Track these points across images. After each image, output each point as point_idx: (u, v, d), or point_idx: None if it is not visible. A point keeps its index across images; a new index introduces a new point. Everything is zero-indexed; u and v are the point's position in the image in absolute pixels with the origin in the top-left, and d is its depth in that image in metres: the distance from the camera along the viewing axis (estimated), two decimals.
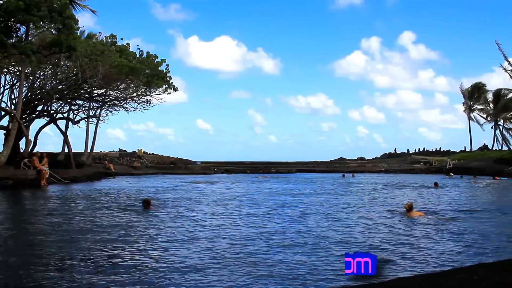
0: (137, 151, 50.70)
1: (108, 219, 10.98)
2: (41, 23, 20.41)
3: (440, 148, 70.78)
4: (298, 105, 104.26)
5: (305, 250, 7.59)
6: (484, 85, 58.98)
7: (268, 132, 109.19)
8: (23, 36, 21.06)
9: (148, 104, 34.63)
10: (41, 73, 28.81)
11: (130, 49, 31.28)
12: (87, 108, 36.16)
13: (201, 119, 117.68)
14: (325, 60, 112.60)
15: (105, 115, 36.74)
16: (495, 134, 57.16)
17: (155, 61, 31.82)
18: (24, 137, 26.11)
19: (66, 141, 33.62)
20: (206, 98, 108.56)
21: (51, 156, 27.47)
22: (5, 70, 26.86)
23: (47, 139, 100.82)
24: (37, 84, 29.96)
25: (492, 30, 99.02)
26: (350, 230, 9.76)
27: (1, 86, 29.09)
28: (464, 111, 60.88)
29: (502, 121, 55.94)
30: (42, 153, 23.86)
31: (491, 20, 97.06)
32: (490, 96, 57.50)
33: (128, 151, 52.24)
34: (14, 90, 29.41)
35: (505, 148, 54.76)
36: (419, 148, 73.32)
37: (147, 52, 31.73)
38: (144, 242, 8.23)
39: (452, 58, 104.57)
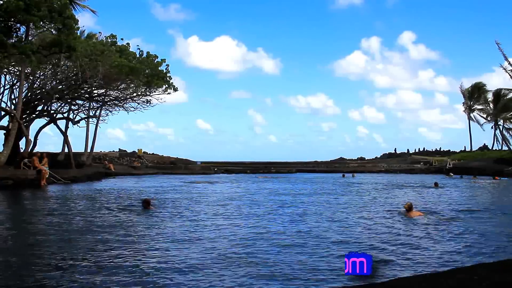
0: (137, 151, 50.70)
1: (108, 219, 10.98)
2: (41, 23, 20.42)
3: (440, 148, 70.88)
4: (298, 105, 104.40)
5: (306, 250, 7.59)
6: (484, 85, 59.12)
7: (268, 132, 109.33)
8: (23, 36, 21.08)
9: (148, 104, 34.70)
10: (41, 73, 28.81)
11: (130, 49, 31.31)
12: (87, 108, 36.18)
13: (201, 119, 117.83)
14: (325, 60, 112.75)
15: (105, 115, 36.81)
16: (495, 134, 57.28)
17: (155, 61, 31.82)
18: (24, 137, 26.11)
19: (66, 141, 33.63)
20: (206, 98, 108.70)
21: (51, 156, 27.47)
22: (5, 70, 26.87)
23: (47, 139, 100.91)
24: (37, 84, 29.97)
25: (492, 30, 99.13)
26: (350, 230, 9.76)
27: (1, 86, 29.16)
28: (464, 111, 61.02)
29: (502, 121, 55.97)
30: (42, 153, 23.87)
31: (491, 20, 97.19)
32: (490, 96, 57.59)
33: (128, 151, 52.24)
34: (14, 90, 29.44)
35: (505, 148, 54.83)
36: (419, 148, 73.44)
37: (147, 52, 31.80)
38: (144, 242, 8.24)
39: (452, 58, 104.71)
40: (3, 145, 23.57)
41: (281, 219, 11.44)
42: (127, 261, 6.69)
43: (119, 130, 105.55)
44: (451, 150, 65.87)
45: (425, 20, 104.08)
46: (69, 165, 28.60)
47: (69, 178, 23.88)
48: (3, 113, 27.22)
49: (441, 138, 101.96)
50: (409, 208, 11.95)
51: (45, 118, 31.63)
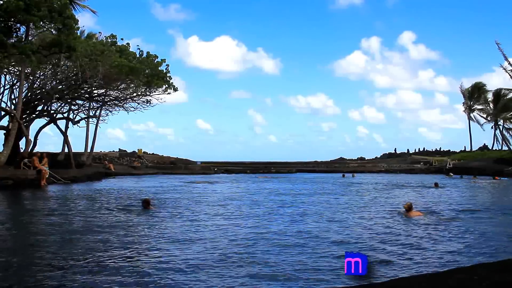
0: (137, 151, 50.69)
1: (108, 219, 10.98)
2: (41, 23, 20.42)
3: (440, 148, 70.90)
4: (298, 105, 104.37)
5: (306, 250, 7.59)
6: (484, 85, 59.10)
7: (268, 132, 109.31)
8: (23, 36, 21.08)
9: (148, 104, 34.68)
10: (41, 73, 28.81)
11: (130, 49, 31.31)
12: (87, 108, 36.18)
13: (201, 119, 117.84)
14: (325, 60, 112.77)
15: (105, 115, 36.80)
16: (495, 134, 57.27)
17: (155, 61, 31.82)
18: (24, 137, 26.11)
19: (66, 141, 33.63)
20: (206, 98, 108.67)
21: (51, 156, 27.46)
22: (5, 70, 26.86)
23: (47, 139, 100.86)
24: (37, 84, 29.96)
25: (492, 30, 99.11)
26: (350, 230, 9.76)
27: (1, 86, 29.15)
28: (464, 111, 61.01)
29: (502, 121, 55.97)
30: (42, 153, 23.87)
31: (491, 20, 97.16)
32: (490, 96, 57.57)
33: (128, 151, 52.23)
34: (14, 90, 29.43)
35: (505, 148, 54.83)
36: (419, 148, 73.44)
37: (147, 52, 31.80)
38: (144, 242, 8.24)
39: (452, 58, 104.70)
40: (3, 145, 23.57)
41: (282, 219, 11.44)
42: (127, 261, 6.69)
43: (119, 130, 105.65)
44: (451, 150, 65.92)
45: (425, 20, 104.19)
46: (69, 165, 28.60)
47: (69, 178, 23.88)
48: (3, 113, 27.22)
49: (441, 138, 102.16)
50: (409, 208, 11.97)
51: (45, 118, 31.64)
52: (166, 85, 32.76)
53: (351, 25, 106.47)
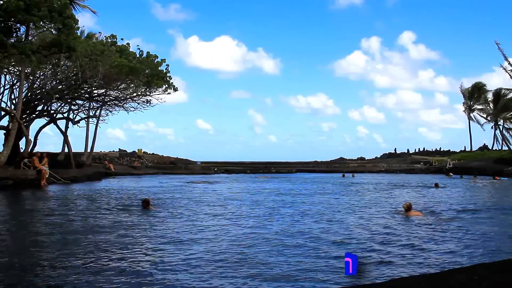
0: (137, 151, 50.69)
1: (108, 219, 10.99)
2: (41, 23, 20.42)
3: (440, 148, 70.85)
4: (298, 105, 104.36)
5: (306, 250, 7.59)
6: (484, 85, 59.10)
7: (268, 132, 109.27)
8: (23, 36, 21.08)
9: (148, 104, 34.67)
10: (41, 73, 28.81)
11: (130, 49, 31.31)
12: (87, 108, 36.18)
13: (201, 119, 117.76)
14: (325, 60, 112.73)
15: (105, 115, 36.82)
16: (495, 134, 57.28)
17: (155, 61, 31.82)
18: (24, 137, 26.11)
19: (66, 141, 33.63)
20: (206, 98, 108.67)
21: (51, 156, 27.47)
22: (5, 70, 26.86)
23: (47, 139, 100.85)
24: (37, 84, 29.96)
25: (492, 30, 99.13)
26: (350, 230, 9.76)
27: (1, 86, 29.14)
28: (464, 111, 61.03)
29: (502, 121, 55.97)
30: (42, 153, 23.87)
31: (491, 20, 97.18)
32: (490, 96, 57.58)
33: (128, 151, 52.24)
34: (14, 90, 29.43)
35: (505, 148, 54.83)
36: (419, 148, 73.39)
37: (147, 52, 31.79)
38: (144, 243, 8.23)
39: (452, 58, 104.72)
40: (3, 145, 23.58)
41: (282, 219, 11.44)
42: (128, 261, 6.69)
43: (119, 130, 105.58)
44: (451, 150, 65.89)
45: (425, 20, 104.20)
46: (69, 165, 28.60)
47: (69, 178, 23.89)
48: (3, 113, 27.22)
49: (441, 138, 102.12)
50: (408, 208, 12.01)
51: (45, 118, 31.64)
52: (166, 85, 32.76)
53: (351, 25, 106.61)
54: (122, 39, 31.76)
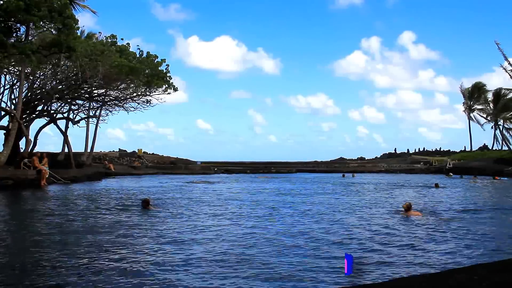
0: (137, 151, 50.70)
1: (108, 219, 10.99)
2: (41, 23, 20.41)
3: (440, 148, 70.82)
4: (298, 105, 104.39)
5: (306, 250, 7.59)
6: (484, 85, 59.14)
7: (268, 132, 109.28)
8: (23, 36, 21.08)
9: (148, 104, 34.67)
10: (41, 73, 28.81)
11: (130, 49, 31.31)
12: (87, 108, 36.18)
13: (201, 119, 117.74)
14: (325, 60, 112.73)
15: (105, 115, 36.82)
16: (495, 134, 57.29)
17: (155, 61, 31.82)
18: (24, 137, 26.11)
19: (66, 141, 33.63)
20: (206, 98, 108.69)
21: (51, 156, 27.47)
22: (5, 70, 26.86)
23: (47, 139, 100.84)
24: (37, 84, 29.96)
25: (492, 30, 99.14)
26: (350, 230, 9.76)
27: (1, 86, 29.14)
28: (464, 111, 61.06)
29: (502, 121, 55.99)
30: (42, 153, 23.87)
31: (491, 20, 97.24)
32: (490, 96, 57.60)
33: (128, 151, 52.24)
34: (14, 90, 29.43)
35: (505, 148, 54.83)
36: (419, 148, 73.37)
37: (147, 52, 31.79)
38: (144, 243, 8.23)
39: (452, 58, 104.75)
40: (3, 145, 23.58)
41: (282, 219, 11.44)
42: (127, 261, 6.69)
43: (119, 130, 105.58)
44: (451, 150, 65.87)
45: (425, 20, 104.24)
46: (69, 165, 28.60)
47: (69, 178, 23.89)
48: (3, 113, 27.22)
49: (441, 138, 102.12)
50: (408, 208, 12.03)
51: (45, 118, 31.64)
52: (166, 85, 32.76)
53: (351, 25, 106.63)
54: (122, 39, 31.83)
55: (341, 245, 8.01)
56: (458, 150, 63.71)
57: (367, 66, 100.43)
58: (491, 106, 57.19)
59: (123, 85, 33.07)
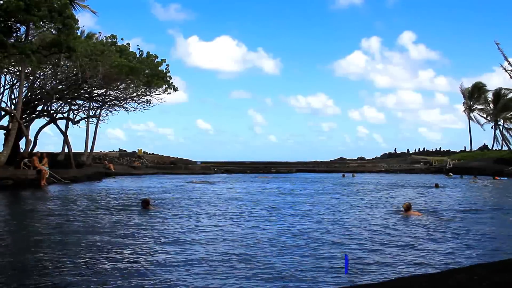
0: (137, 151, 50.70)
1: (108, 219, 10.99)
2: (41, 23, 20.40)
3: (440, 148, 70.81)
4: (298, 105, 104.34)
5: (306, 251, 7.59)
6: (484, 85, 59.11)
7: (268, 132, 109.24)
8: (23, 36, 21.07)
9: (148, 104, 34.67)
10: (41, 73, 28.81)
11: (130, 49, 31.31)
12: (87, 108, 36.18)
13: (201, 119, 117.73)
14: (325, 60, 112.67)
15: (105, 115, 36.82)
16: (495, 134, 57.26)
17: (155, 61, 31.82)
18: (24, 137, 26.12)
19: (66, 141, 33.63)
20: (206, 98, 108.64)
21: (51, 156, 27.48)
22: (5, 70, 26.86)
23: (47, 139, 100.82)
24: (37, 84, 29.96)
25: (492, 30, 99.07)
26: (350, 230, 9.76)
27: (1, 86, 29.13)
28: (464, 111, 61.04)
29: (502, 121, 55.97)
30: (42, 153, 23.88)
31: (491, 20, 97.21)
32: (490, 96, 57.58)
33: (128, 151, 52.24)
34: (14, 90, 29.43)
35: (505, 148, 54.82)
36: (419, 148, 73.36)
37: (147, 52, 31.79)
38: (144, 243, 8.23)
39: (452, 58, 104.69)
40: (3, 145, 23.58)
41: (282, 219, 11.44)
42: (128, 261, 6.69)
43: (119, 130, 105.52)
44: (451, 150, 65.86)
45: (425, 20, 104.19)
46: (69, 165, 28.61)
47: (69, 178, 23.90)
48: (3, 113, 27.22)
49: (441, 138, 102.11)
50: (408, 208, 12.04)
51: (45, 118, 31.65)
52: (166, 85, 32.76)
53: (351, 25, 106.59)
54: (122, 39, 31.84)
55: (341, 245, 8.01)
56: (458, 150, 63.75)
57: (367, 66, 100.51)
58: (491, 106, 57.18)
59: (123, 85, 33.07)
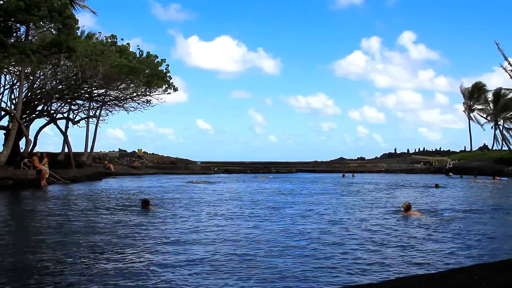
0: (137, 151, 50.69)
1: (108, 219, 10.99)
2: (41, 23, 20.40)
3: (440, 148, 70.79)
4: (298, 105, 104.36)
5: (306, 251, 7.60)
6: (484, 85, 59.10)
7: (268, 132, 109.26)
8: (23, 36, 21.08)
9: (148, 104, 34.67)
10: (41, 73, 28.81)
11: (130, 49, 31.31)
12: (87, 108, 36.17)
13: (201, 119, 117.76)
14: (325, 60, 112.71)
15: (105, 115, 36.80)
16: (495, 134, 57.25)
17: (155, 61, 31.82)
18: (24, 137, 26.12)
19: (66, 141, 33.63)
20: (206, 98, 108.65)
21: (51, 156, 27.48)
22: (5, 70, 26.85)
23: (47, 139, 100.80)
24: (37, 84, 29.96)
25: (492, 30, 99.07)
26: (350, 230, 9.76)
27: (1, 86, 29.12)
28: (464, 111, 61.03)
29: (502, 121, 55.95)
30: (42, 153, 23.88)
31: (491, 20, 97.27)
32: (490, 96, 57.58)
33: (128, 151, 52.23)
34: (14, 90, 29.42)
35: (505, 148, 54.80)
36: (419, 148, 73.34)
37: (147, 52, 31.79)
38: (144, 243, 8.23)
39: (452, 58, 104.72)
40: (3, 145, 23.58)
41: (282, 219, 11.44)
42: (128, 261, 6.69)
43: (119, 130, 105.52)
44: (451, 150, 65.85)
45: (425, 20, 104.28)
46: (69, 165, 28.61)
47: (69, 178, 23.90)
48: (3, 113, 27.22)
49: (441, 138, 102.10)
50: (408, 208, 12.04)
51: (45, 118, 31.64)
52: (166, 85, 32.76)
53: (351, 25, 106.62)
54: (122, 39, 31.87)
55: (341, 245, 8.01)
56: (458, 150, 63.74)
57: (367, 66, 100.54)
58: (491, 106, 57.17)
59: (123, 85, 33.07)
